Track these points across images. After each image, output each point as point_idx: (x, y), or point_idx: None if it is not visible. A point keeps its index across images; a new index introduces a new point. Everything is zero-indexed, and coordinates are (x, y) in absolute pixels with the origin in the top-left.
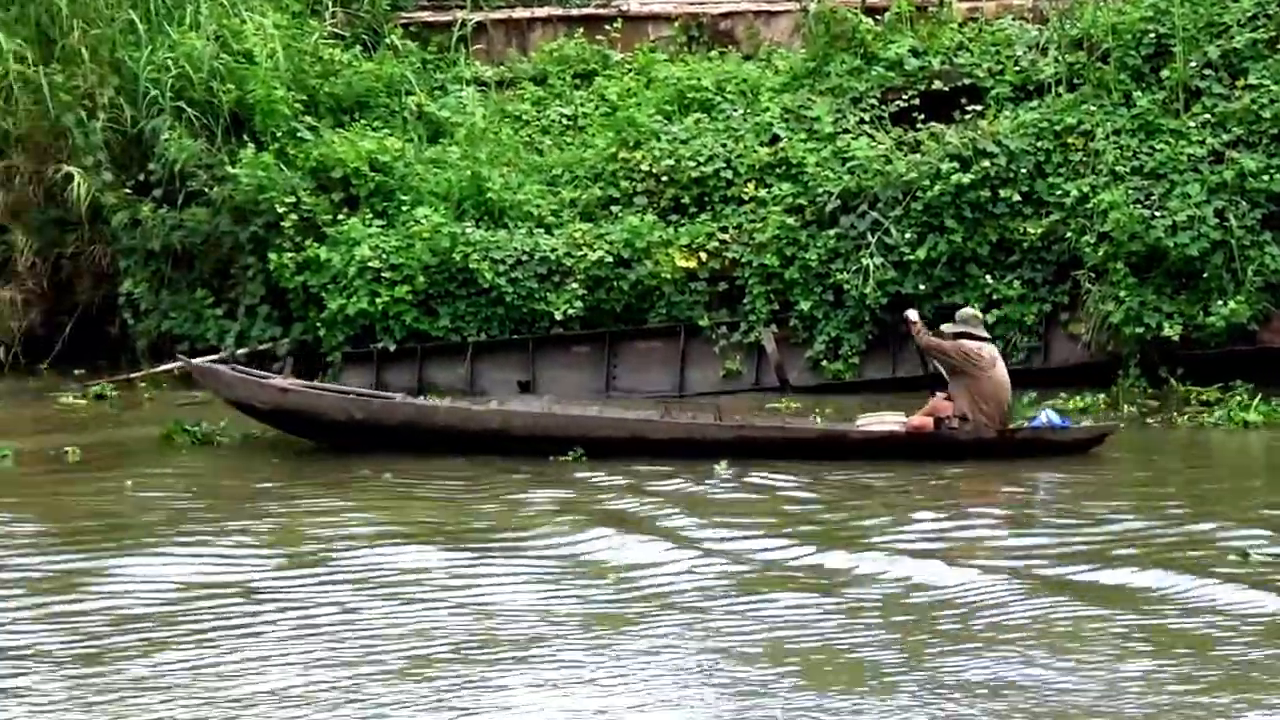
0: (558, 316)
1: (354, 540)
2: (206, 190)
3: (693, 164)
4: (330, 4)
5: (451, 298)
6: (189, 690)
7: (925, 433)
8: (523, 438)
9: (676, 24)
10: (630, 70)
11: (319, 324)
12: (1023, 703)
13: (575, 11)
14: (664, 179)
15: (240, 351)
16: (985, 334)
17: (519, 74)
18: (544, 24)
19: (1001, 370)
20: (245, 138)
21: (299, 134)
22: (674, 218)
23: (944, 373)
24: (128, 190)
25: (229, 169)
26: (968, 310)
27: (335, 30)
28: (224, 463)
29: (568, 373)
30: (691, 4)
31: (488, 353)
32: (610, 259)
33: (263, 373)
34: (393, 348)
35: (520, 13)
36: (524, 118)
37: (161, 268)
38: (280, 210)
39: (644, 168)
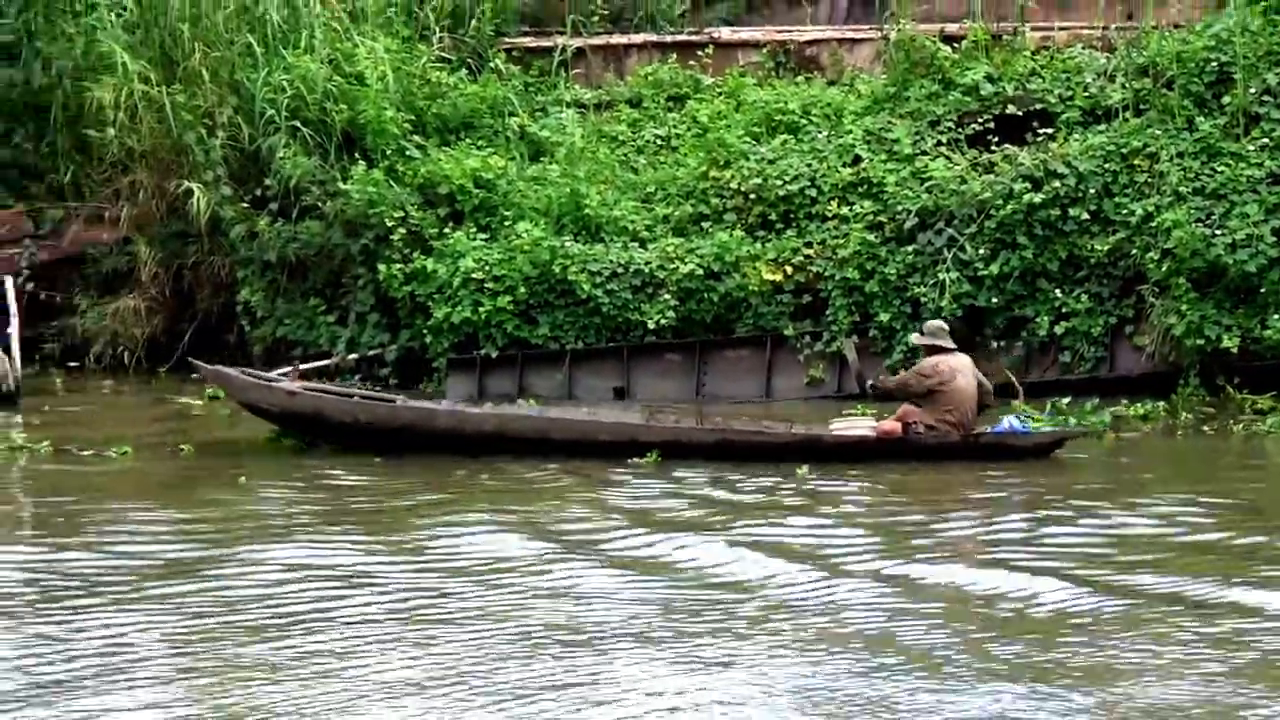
0: (651, 326)
1: (458, 533)
2: (320, 205)
3: (779, 183)
4: (438, 29)
5: (551, 307)
6: (305, 675)
7: (894, 437)
8: (520, 440)
9: (765, 50)
10: (721, 94)
11: (425, 331)
12: None
13: (669, 38)
14: (752, 197)
15: (350, 356)
16: (951, 344)
17: (616, 97)
18: (639, 50)
19: (964, 379)
20: (357, 155)
21: (408, 152)
22: (761, 233)
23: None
24: (245, 204)
25: (341, 185)
26: (935, 322)
27: (442, 54)
28: (328, 461)
29: (660, 379)
30: (779, 31)
31: (585, 360)
32: (701, 272)
33: (271, 375)
34: (495, 355)
35: (617, 39)
36: (620, 138)
37: (277, 277)
38: (389, 224)
39: (733, 186)
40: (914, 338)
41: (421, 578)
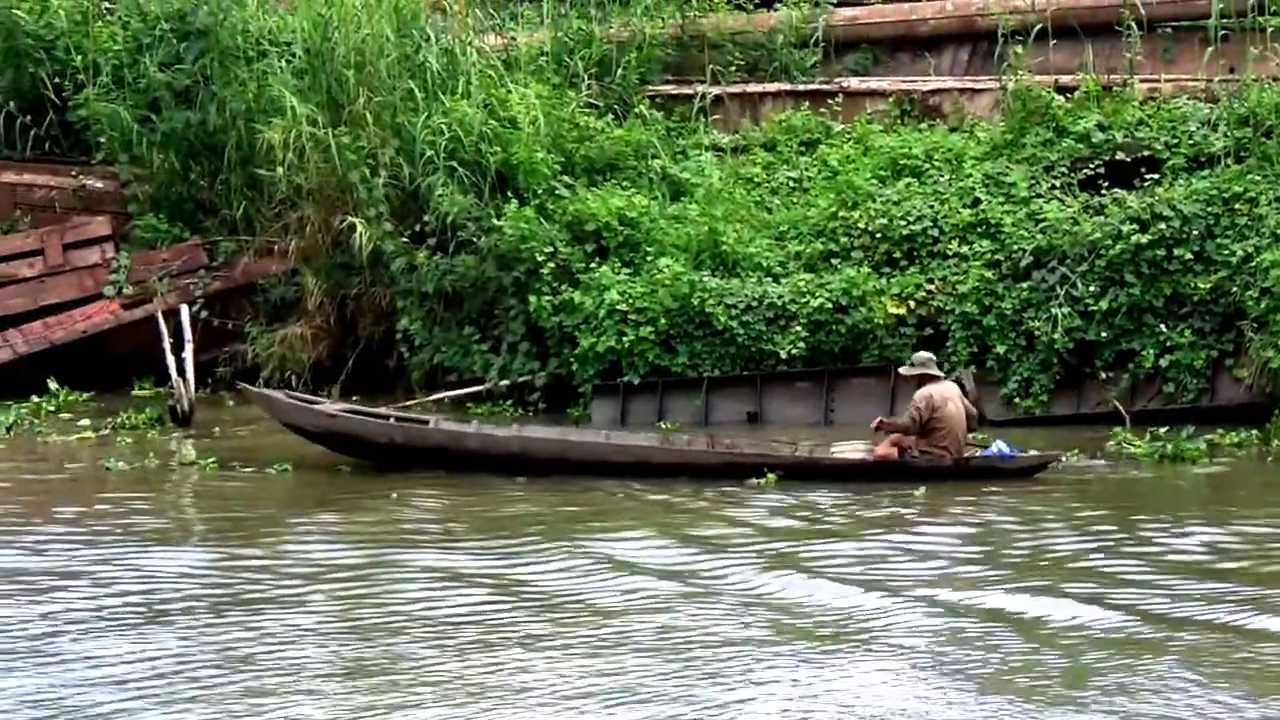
0: (782, 355)
1: (595, 540)
2: (475, 240)
3: (903, 223)
4: (586, 77)
5: (689, 338)
6: (465, 679)
7: (890, 460)
8: (542, 461)
9: (891, 99)
10: (849, 139)
11: (572, 359)
12: None
13: (801, 87)
14: (878, 235)
15: (502, 383)
16: (939, 373)
17: (751, 141)
18: (774, 98)
19: (954, 405)
20: (509, 194)
21: (557, 191)
22: (886, 270)
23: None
24: (405, 239)
25: (495, 222)
26: (923, 354)
27: (590, 100)
28: (474, 479)
29: (790, 406)
30: (904, 81)
31: (720, 387)
32: (830, 305)
33: (313, 398)
34: (637, 382)
35: (753, 87)
36: (755, 180)
37: (434, 307)
38: (539, 258)
39: (861, 225)
40: (904, 370)
41: (558, 582)
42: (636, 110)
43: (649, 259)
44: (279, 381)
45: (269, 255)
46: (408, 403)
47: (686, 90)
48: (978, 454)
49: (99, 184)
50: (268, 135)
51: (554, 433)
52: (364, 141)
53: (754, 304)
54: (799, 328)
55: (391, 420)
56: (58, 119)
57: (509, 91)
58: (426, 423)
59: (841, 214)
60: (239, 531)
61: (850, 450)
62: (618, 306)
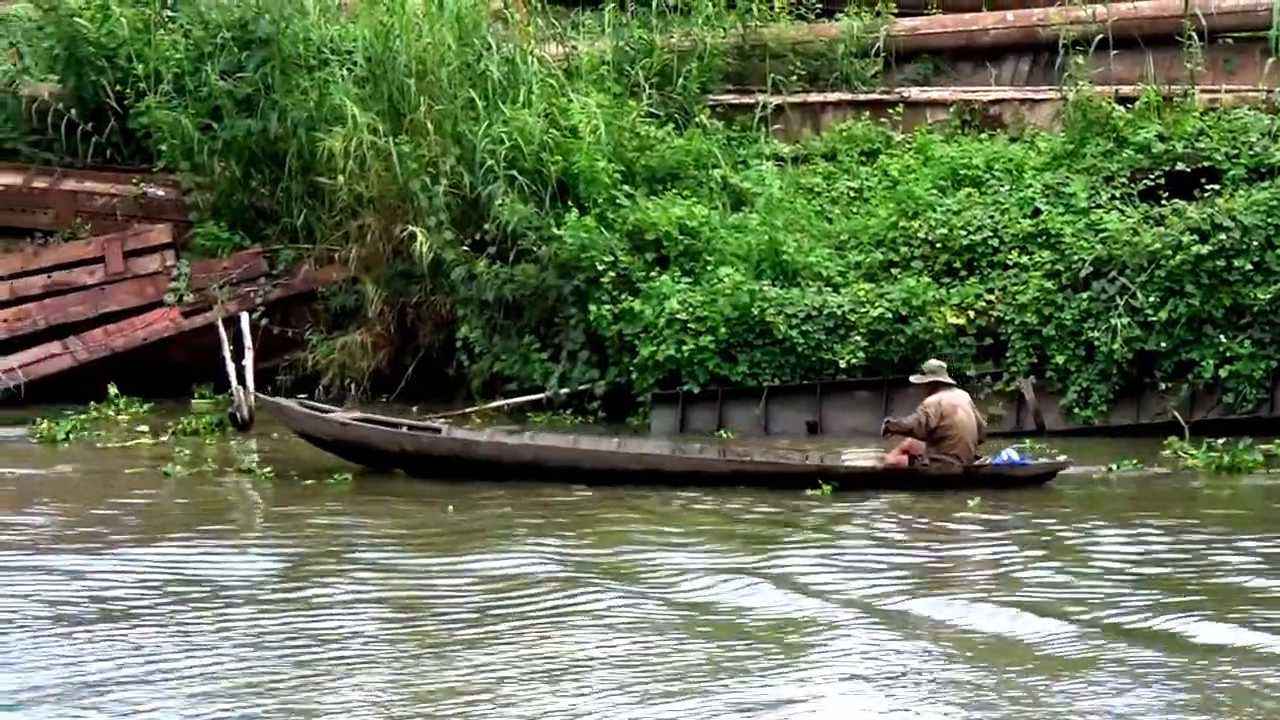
0: (842, 365)
1: (653, 549)
2: (535, 249)
3: (963, 233)
4: (647, 87)
5: (749, 347)
6: (517, 678)
7: (901, 468)
8: (554, 469)
9: (951, 109)
10: (910, 149)
11: (632, 368)
12: None
13: (862, 97)
14: (938, 245)
15: (562, 391)
16: (949, 380)
17: (812, 151)
18: (834, 107)
19: (964, 413)
20: (570, 203)
21: (617, 201)
22: (946, 280)
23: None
24: (466, 248)
25: (555, 230)
26: (934, 362)
27: (651, 110)
28: (533, 485)
29: (849, 414)
30: (965, 91)
31: (780, 396)
32: (890, 315)
33: (325, 407)
34: (696, 390)
35: (814, 97)
36: (815, 190)
37: (494, 316)
38: (600, 267)
39: (921, 235)
40: (914, 379)
41: (616, 588)
42: (697, 120)
43: (709, 268)
44: (339, 389)
45: (329, 263)
46: (466, 410)
47: (747, 100)
48: (988, 462)
49: (160, 192)
50: (329, 143)
51: (566, 441)
52: (425, 150)
53: (814, 313)
54: (859, 337)
55: (403, 429)
56: (119, 127)
57: (570, 100)
58: (439, 431)
59: (902, 224)
60: (289, 534)
61: (860, 458)
62: (678, 315)
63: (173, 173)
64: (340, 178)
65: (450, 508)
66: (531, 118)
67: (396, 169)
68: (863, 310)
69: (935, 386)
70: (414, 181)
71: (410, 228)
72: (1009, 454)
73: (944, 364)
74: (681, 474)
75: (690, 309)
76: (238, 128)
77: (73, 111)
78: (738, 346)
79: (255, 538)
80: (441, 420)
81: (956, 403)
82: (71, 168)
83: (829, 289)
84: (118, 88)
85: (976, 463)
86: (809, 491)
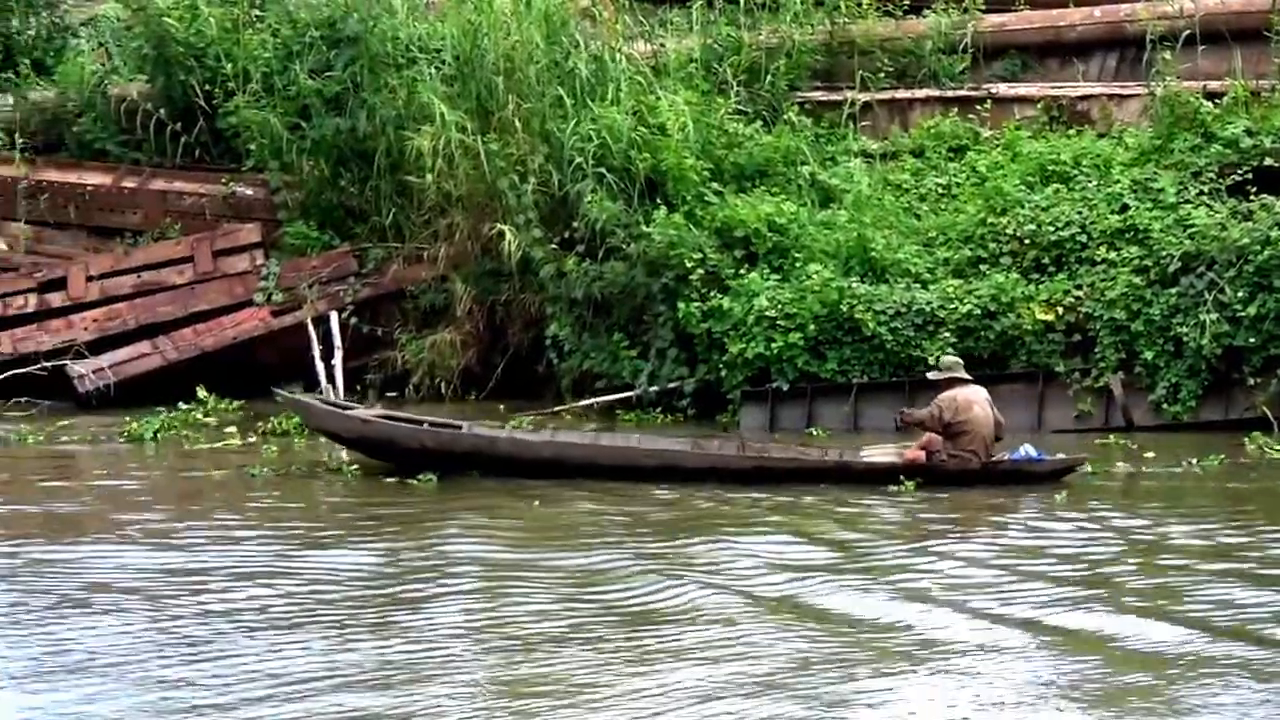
0: (931, 361)
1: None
2: (623, 246)
3: (1052, 229)
4: (735, 84)
5: (838, 344)
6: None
7: (919, 464)
8: (574, 465)
9: (1039, 105)
10: (998, 145)
11: (721, 365)
12: None
13: (950, 93)
14: (1026, 242)
15: (651, 389)
16: (966, 376)
17: (900, 147)
18: (922, 104)
19: (980, 409)
20: (658, 200)
21: (706, 198)
22: (1034, 276)
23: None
24: (554, 246)
25: (644, 228)
26: (950, 357)
27: (739, 107)
28: (619, 485)
29: None
30: (1052, 87)
31: (870, 393)
32: (978, 311)
33: (347, 404)
34: (785, 388)
35: (902, 94)
36: (904, 186)
37: (583, 314)
38: (689, 265)
39: (1009, 232)
40: (931, 375)
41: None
42: (785, 117)
43: (798, 265)
44: (429, 388)
45: (418, 262)
46: (556, 409)
47: (835, 96)
48: (1005, 457)
49: (249, 191)
50: (417, 142)
51: (586, 437)
52: (513, 148)
53: (903, 310)
54: (948, 333)
55: (425, 425)
56: (208, 126)
57: (658, 98)
58: (459, 428)
59: (990, 220)
60: (390, 532)
61: (880, 454)
62: (766, 312)
63: (261, 172)
64: (429, 176)
65: (535, 503)
66: (620, 115)
67: (485, 167)
68: (951, 306)
69: (952, 382)
70: (502, 179)
71: (499, 226)
72: (1026, 450)
73: (960, 360)
74: (701, 470)
75: (779, 306)
76: (326, 126)
77: (161, 111)
78: (827, 343)
79: (348, 535)
80: (488, 422)
81: (973, 398)
82: (160, 167)
83: (917, 285)
84: (206, 87)
85: (994, 459)
86: (892, 488)
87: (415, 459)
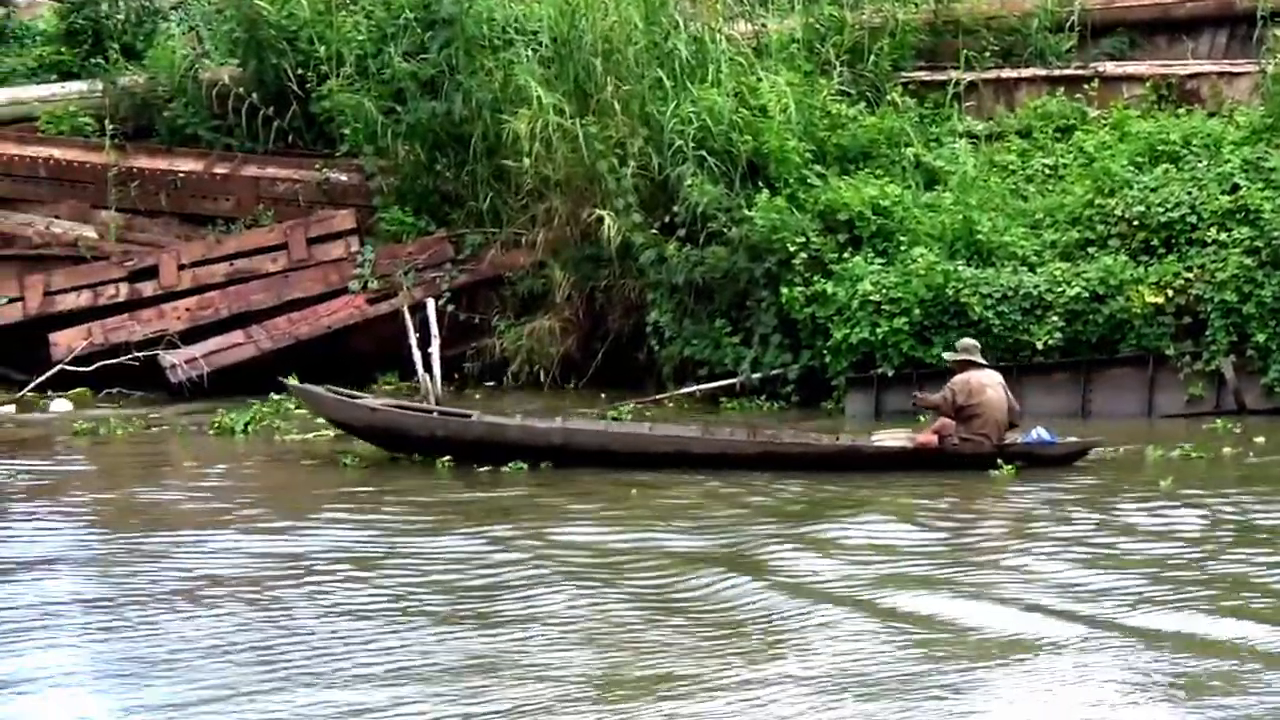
0: (1039, 346)
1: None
2: (725, 231)
3: (1161, 210)
4: (838, 64)
5: (944, 328)
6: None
7: (931, 448)
8: (584, 452)
9: (1148, 84)
10: (1105, 125)
11: (825, 351)
12: None
13: (1056, 72)
14: (1135, 223)
15: (754, 376)
16: (981, 360)
17: (1006, 128)
18: (1028, 83)
19: (994, 392)
20: (760, 184)
21: (809, 181)
22: (1144, 258)
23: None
24: (655, 230)
25: (745, 212)
26: (967, 340)
27: (842, 88)
28: (708, 474)
29: (1047, 397)
30: (1161, 65)
31: None
32: (1086, 295)
33: (355, 393)
34: (891, 373)
35: (1008, 73)
36: (1010, 167)
37: (684, 300)
38: (791, 249)
39: (1117, 213)
40: (947, 355)
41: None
42: (889, 97)
43: (903, 248)
44: (528, 376)
45: (516, 248)
46: (658, 397)
47: (940, 76)
48: (1018, 440)
49: (343, 177)
50: (514, 125)
51: (596, 424)
52: (612, 131)
53: (1009, 294)
54: (1055, 317)
55: (434, 414)
56: (301, 111)
57: (759, 79)
58: (469, 416)
59: (1098, 201)
60: (489, 522)
61: (891, 439)
62: (871, 297)
63: (356, 157)
64: (526, 160)
65: (634, 491)
66: (720, 97)
67: (583, 150)
68: (1059, 290)
69: (966, 365)
70: (601, 163)
71: (598, 210)
72: (1039, 432)
73: (976, 343)
74: (711, 455)
75: (884, 290)
76: (422, 110)
77: (254, 96)
78: (932, 328)
79: (450, 523)
80: (595, 412)
81: (986, 382)
82: (253, 153)
83: (1024, 268)
84: (299, 71)
85: (1006, 442)
86: (992, 473)
87: (425, 447)
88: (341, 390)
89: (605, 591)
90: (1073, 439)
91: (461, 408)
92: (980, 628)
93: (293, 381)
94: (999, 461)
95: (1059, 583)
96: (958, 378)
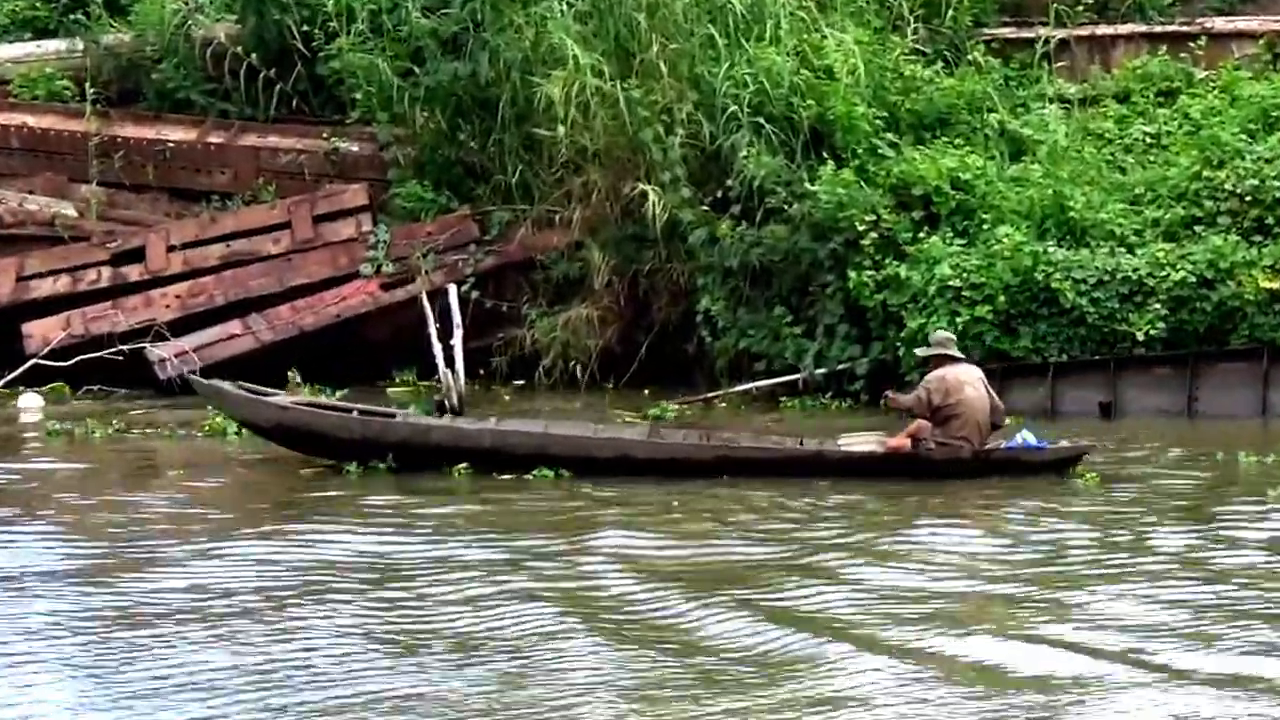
0: (1139, 337)
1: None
2: (785, 207)
3: (1277, 184)
4: (912, 20)
5: (1032, 317)
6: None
7: (902, 453)
8: (519, 456)
9: (1261, 41)
10: (1214, 88)
11: (898, 343)
12: None
13: (1158, 28)
14: (1248, 199)
15: (818, 371)
16: (958, 354)
17: (1102, 91)
18: (1127, 40)
19: (973, 390)
20: (825, 154)
21: (879, 151)
22: (1257, 239)
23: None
24: (705, 207)
25: (808, 186)
26: (941, 333)
27: (917, 46)
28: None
29: (1148, 394)
30: (1276, 21)
31: (1068, 374)
32: (1193, 279)
33: (265, 390)
34: None
35: (1103, 29)
36: (1106, 136)
37: (739, 285)
38: (860, 228)
39: (1227, 187)
40: (920, 350)
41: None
42: (970, 57)
43: (985, 227)
44: (562, 373)
45: (549, 227)
46: (709, 395)
47: (1027, 34)
48: (1000, 445)
49: (354, 147)
50: (547, 89)
51: (534, 425)
52: (658, 96)
53: (1106, 278)
54: (1158, 305)
55: (354, 413)
56: (306, 73)
57: (824, 37)
58: (393, 416)
59: (1205, 174)
60: (517, 531)
61: (860, 442)
62: (950, 282)
63: (368, 125)
64: (561, 128)
65: (675, 503)
66: (780, 57)
67: (625, 117)
68: (1162, 274)
69: (942, 360)
70: (645, 132)
71: (641, 185)
72: (1024, 436)
73: (952, 335)
74: (659, 461)
75: (964, 275)
76: (443, 72)
77: (253, 56)
78: (1019, 317)
79: (468, 529)
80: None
81: (965, 378)
82: (252, 120)
83: (1123, 250)
84: (304, 28)
85: (987, 447)
86: (1075, 481)
87: (340, 450)
88: (250, 386)
89: (657, 602)
90: (1064, 444)
91: (470, 405)
92: (1067, 647)
93: (195, 376)
94: (1078, 469)
95: (1145, 599)
96: (933, 374)
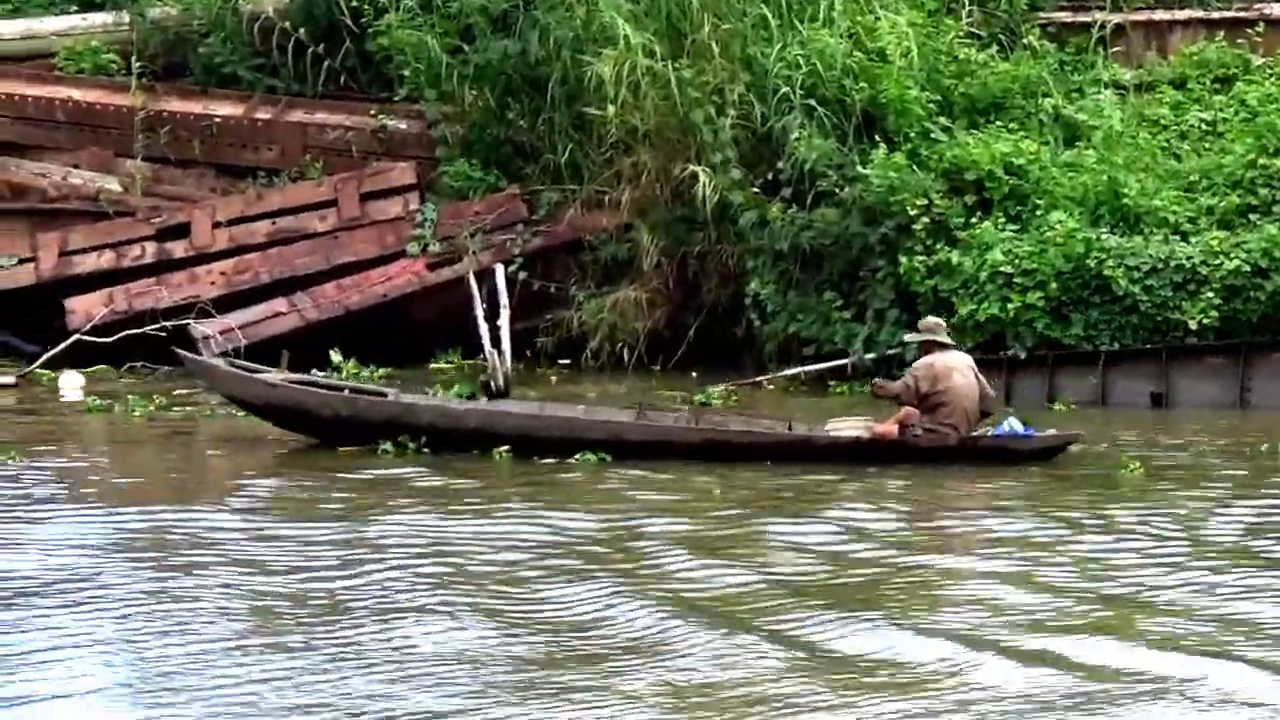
0: (1192, 326)
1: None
2: (836, 190)
3: None
4: (967, 2)
5: (1085, 305)
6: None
7: (889, 439)
8: (507, 437)
9: None
10: (1272, 75)
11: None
12: None
13: (1216, 14)
14: None
15: (868, 356)
16: (947, 340)
17: (1158, 77)
18: (1184, 26)
19: (961, 376)
20: (877, 138)
21: (932, 135)
22: None
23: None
24: (756, 189)
25: (860, 169)
26: (931, 319)
27: (971, 29)
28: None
29: (1200, 384)
30: None
31: (1120, 362)
32: (1248, 268)
33: (255, 366)
34: (1023, 355)
35: (1160, 14)
36: (1162, 122)
37: (789, 269)
38: (912, 212)
39: None
40: (908, 336)
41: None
42: (1025, 41)
43: (1038, 213)
44: (609, 355)
45: (598, 208)
46: (757, 379)
47: (1083, 18)
48: (989, 433)
49: (402, 125)
50: (598, 68)
51: (528, 407)
52: (709, 76)
53: (1160, 266)
54: (1211, 294)
55: (345, 392)
56: (355, 49)
57: (877, 19)
58: (385, 395)
59: (1262, 162)
60: (563, 515)
61: (846, 427)
62: (1002, 268)
63: (416, 102)
64: (611, 108)
65: (716, 491)
66: (833, 39)
67: (676, 98)
68: (1216, 263)
69: (931, 346)
70: (696, 112)
71: (692, 166)
72: (1011, 424)
73: (941, 322)
74: (648, 444)
75: (1016, 261)
76: (492, 50)
77: (301, 31)
78: (1071, 304)
79: (509, 514)
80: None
81: (953, 365)
82: (300, 96)
83: (1177, 238)
84: (354, 4)
85: (974, 434)
86: (1121, 471)
87: (330, 429)
88: (242, 363)
89: (702, 581)
90: (1051, 432)
91: (504, 387)
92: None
93: (183, 351)
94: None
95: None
96: (921, 361)
